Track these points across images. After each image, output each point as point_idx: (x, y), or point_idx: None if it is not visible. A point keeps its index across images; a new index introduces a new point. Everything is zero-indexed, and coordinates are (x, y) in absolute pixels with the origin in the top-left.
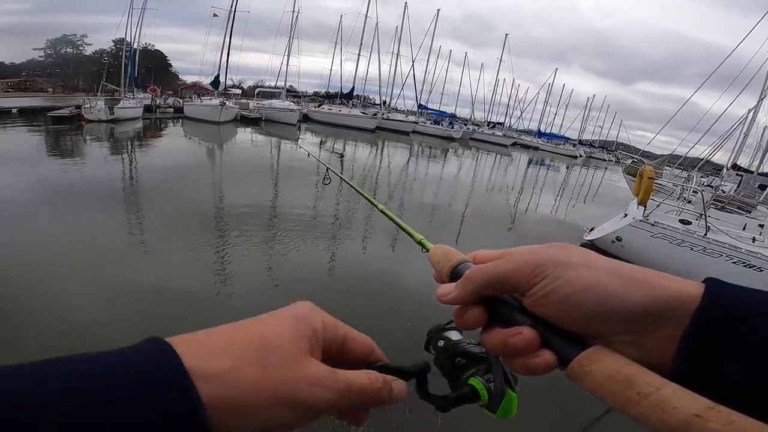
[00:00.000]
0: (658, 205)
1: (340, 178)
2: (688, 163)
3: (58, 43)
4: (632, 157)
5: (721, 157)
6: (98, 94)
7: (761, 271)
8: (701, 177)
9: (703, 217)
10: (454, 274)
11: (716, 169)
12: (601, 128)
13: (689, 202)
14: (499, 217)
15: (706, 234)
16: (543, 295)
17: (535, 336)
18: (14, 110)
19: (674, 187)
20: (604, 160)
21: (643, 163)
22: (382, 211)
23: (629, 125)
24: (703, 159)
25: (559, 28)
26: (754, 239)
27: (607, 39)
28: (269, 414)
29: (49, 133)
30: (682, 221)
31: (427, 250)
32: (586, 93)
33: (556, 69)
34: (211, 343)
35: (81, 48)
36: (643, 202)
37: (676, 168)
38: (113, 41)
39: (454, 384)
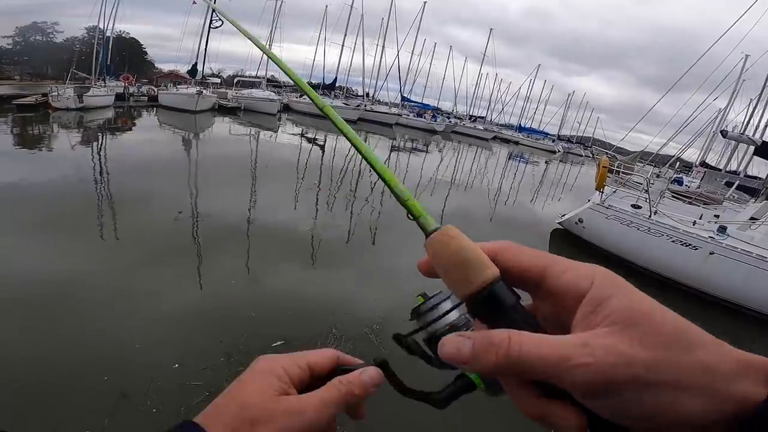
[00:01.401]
0: (614, 191)
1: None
2: (659, 160)
3: (28, 30)
4: (606, 153)
5: (693, 155)
6: (67, 82)
7: (696, 249)
8: (674, 173)
9: (649, 201)
10: (475, 305)
11: (686, 166)
12: (579, 124)
13: (647, 191)
14: (479, 208)
15: (650, 216)
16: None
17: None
18: None
19: (640, 181)
20: (581, 156)
21: (616, 158)
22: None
23: (608, 122)
24: (673, 156)
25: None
26: (694, 223)
27: (586, 37)
28: None
29: (15, 121)
30: (633, 206)
31: (426, 231)
32: (566, 90)
33: (539, 65)
34: (218, 419)
35: (52, 36)
36: (598, 188)
37: (647, 164)
38: (86, 29)
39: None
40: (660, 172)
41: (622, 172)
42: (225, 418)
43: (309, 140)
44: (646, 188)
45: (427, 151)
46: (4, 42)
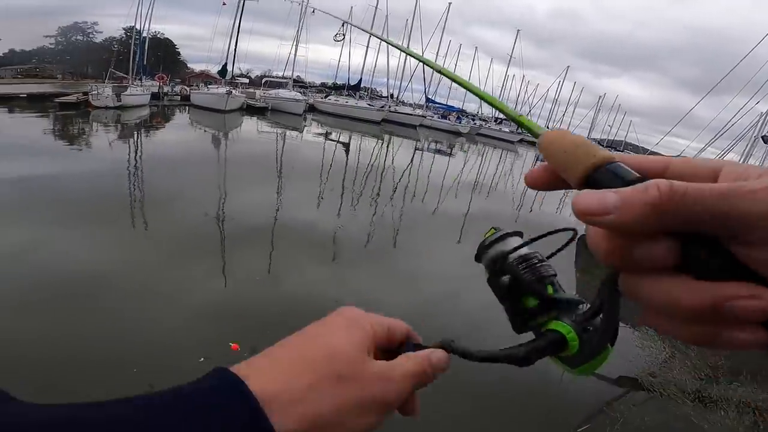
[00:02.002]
0: None
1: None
2: None
3: (69, 30)
4: None
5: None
6: (106, 81)
7: None
8: None
9: None
10: (595, 179)
11: None
12: (610, 127)
13: None
14: (502, 212)
15: None
16: None
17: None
18: (23, 95)
19: None
20: None
21: None
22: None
23: (641, 125)
24: None
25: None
26: None
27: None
28: (355, 422)
29: (57, 118)
30: None
31: (537, 133)
32: (597, 92)
33: (568, 66)
34: (281, 364)
35: (91, 36)
36: None
37: None
38: (123, 29)
39: (517, 322)
40: None
41: None
42: (301, 363)
43: (333, 141)
44: None
45: (451, 154)
46: (46, 41)
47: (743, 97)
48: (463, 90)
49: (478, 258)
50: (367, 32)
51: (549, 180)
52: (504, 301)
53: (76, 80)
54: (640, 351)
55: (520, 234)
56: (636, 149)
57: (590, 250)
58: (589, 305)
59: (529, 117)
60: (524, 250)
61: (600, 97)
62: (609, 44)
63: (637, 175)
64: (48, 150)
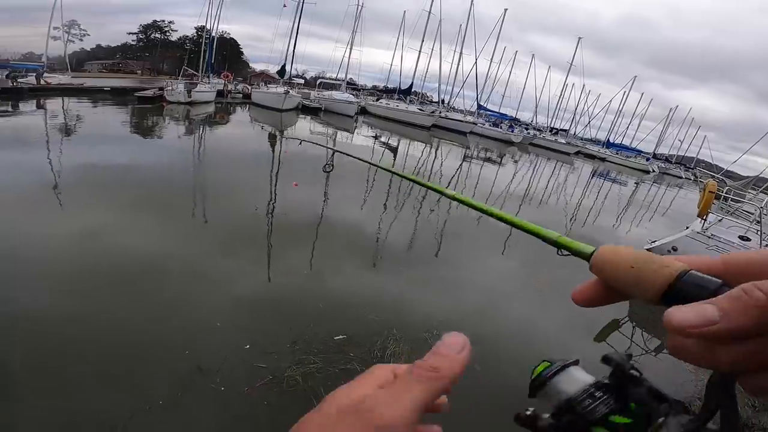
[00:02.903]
0: (719, 220)
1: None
2: None
3: (149, 28)
4: (713, 176)
5: None
6: (179, 78)
7: None
8: None
9: (760, 233)
10: (677, 292)
11: None
12: (681, 142)
13: (759, 222)
14: (552, 226)
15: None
16: None
17: None
18: (107, 89)
19: (751, 210)
20: (681, 177)
21: (725, 182)
22: (462, 202)
23: (716, 141)
24: None
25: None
26: None
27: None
28: None
29: (134, 111)
30: (741, 237)
31: (586, 255)
32: (667, 104)
33: (635, 76)
34: None
35: (168, 34)
36: (701, 215)
37: (762, 192)
38: (195, 28)
39: None
40: None
41: (732, 199)
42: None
43: (382, 143)
44: (758, 219)
45: (501, 163)
46: (129, 38)
47: None
48: (517, 98)
49: (532, 394)
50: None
51: (602, 296)
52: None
53: (154, 76)
54: (692, 376)
55: (575, 363)
56: (710, 167)
57: (679, 358)
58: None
59: (588, 128)
60: (590, 382)
61: (671, 109)
62: (683, 53)
63: (719, 281)
64: (125, 140)
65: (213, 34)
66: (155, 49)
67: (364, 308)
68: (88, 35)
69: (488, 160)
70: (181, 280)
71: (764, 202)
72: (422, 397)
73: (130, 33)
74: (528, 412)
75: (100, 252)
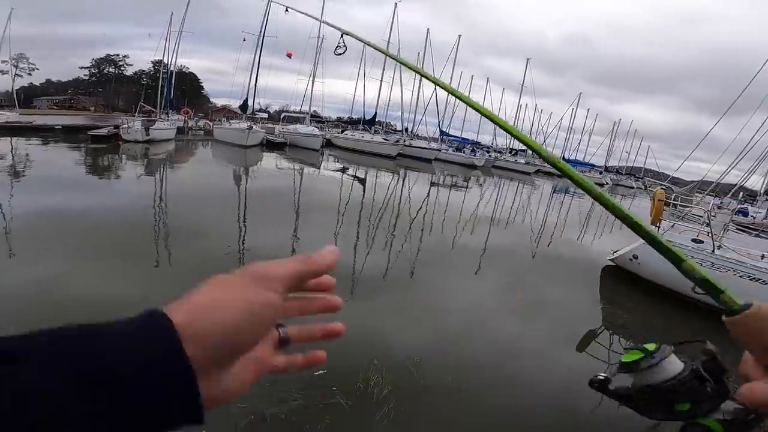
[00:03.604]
0: (672, 225)
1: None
2: (720, 190)
3: (102, 62)
4: (661, 184)
5: (757, 182)
6: (136, 114)
7: (766, 284)
8: (737, 203)
9: (711, 235)
10: None
11: (750, 195)
12: (628, 154)
13: (708, 224)
14: (521, 245)
15: (713, 251)
16: None
17: None
18: (58, 127)
19: (700, 213)
20: (632, 188)
21: (672, 189)
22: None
23: (660, 151)
24: (735, 185)
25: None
26: (762, 256)
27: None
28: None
29: (88, 151)
30: (694, 240)
31: (732, 308)
32: (612, 118)
33: (580, 93)
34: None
35: (122, 68)
36: (654, 222)
37: (707, 195)
38: (152, 62)
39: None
40: (722, 203)
41: (680, 205)
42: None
43: (350, 176)
44: (707, 221)
45: (467, 188)
46: (81, 73)
47: (762, 114)
48: (476, 121)
49: (605, 382)
50: (366, 43)
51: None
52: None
53: (108, 113)
54: None
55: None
56: (657, 175)
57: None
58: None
59: (545, 146)
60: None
61: (615, 123)
62: (622, 69)
63: None
64: (79, 183)
65: (171, 68)
66: (109, 85)
67: (343, 341)
68: (38, 69)
69: (455, 185)
70: None
71: (710, 205)
72: (296, 266)
73: (82, 67)
74: (601, 377)
75: (57, 302)
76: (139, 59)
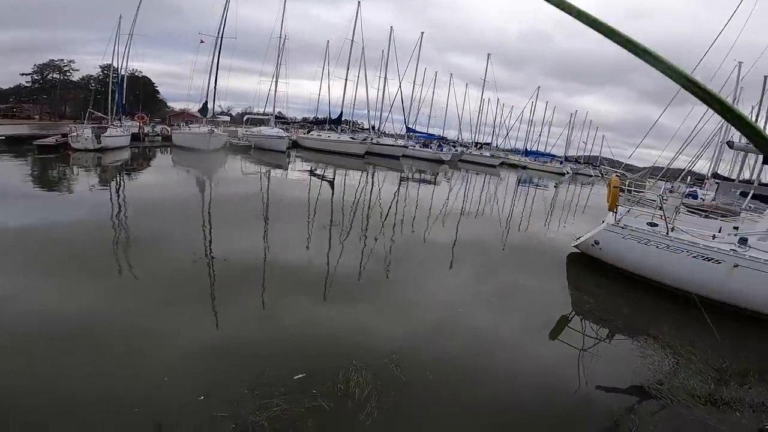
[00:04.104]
0: (628, 210)
1: None
2: (671, 175)
3: (45, 68)
4: (616, 172)
5: (704, 167)
6: (85, 122)
7: (719, 263)
8: (687, 187)
9: (664, 218)
10: None
11: (699, 179)
12: (585, 144)
13: (661, 208)
14: (490, 236)
15: (668, 233)
16: None
17: None
18: (0, 137)
19: (653, 198)
20: (590, 176)
21: (626, 176)
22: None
23: (614, 140)
24: (684, 170)
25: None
26: (713, 236)
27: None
28: None
29: (35, 162)
30: (649, 224)
31: None
32: (569, 110)
33: (539, 87)
34: None
35: (68, 74)
36: (611, 208)
37: (659, 180)
38: (100, 67)
39: None
40: (673, 187)
41: (634, 191)
42: None
43: (318, 177)
44: (660, 205)
45: (435, 182)
46: (23, 80)
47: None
48: (442, 117)
49: None
50: None
51: None
52: None
53: (55, 121)
54: (642, 360)
55: None
56: (612, 163)
57: None
58: None
59: (507, 140)
60: None
61: (571, 114)
62: (576, 63)
63: None
64: (27, 197)
65: (122, 72)
66: (54, 91)
67: (321, 343)
68: None
69: (424, 181)
70: (117, 340)
71: (662, 189)
72: None
73: (23, 74)
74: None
75: (23, 319)
76: (87, 64)
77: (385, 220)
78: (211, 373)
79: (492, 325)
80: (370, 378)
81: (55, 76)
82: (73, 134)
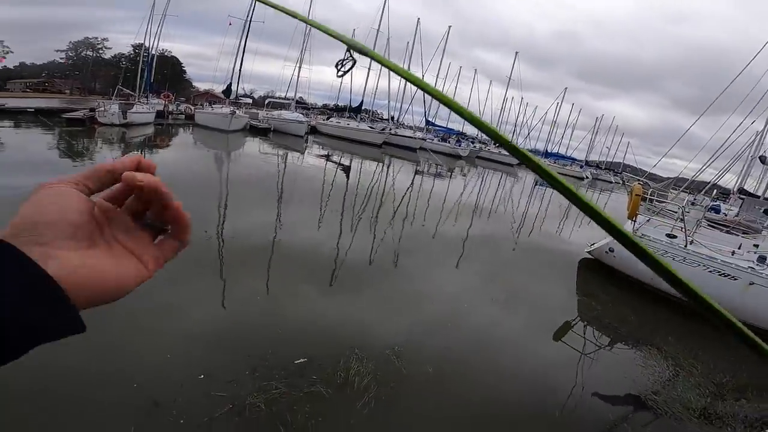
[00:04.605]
0: (647, 220)
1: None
2: (695, 187)
3: (80, 45)
4: (638, 180)
5: (730, 181)
6: (113, 98)
7: (735, 279)
8: (710, 200)
9: (684, 230)
10: None
11: (723, 193)
12: (608, 149)
13: (682, 220)
14: (502, 236)
15: (686, 246)
16: None
17: None
18: (31, 110)
19: (675, 209)
20: (611, 182)
21: (649, 185)
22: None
23: (639, 147)
24: (709, 183)
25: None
26: (732, 252)
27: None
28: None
29: (62, 134)
30: (668, 235)
31: None
32: (595, 114)
33: (566, 88)
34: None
35: (101, 51)
36: (631, 216)
37: (682, 191)
38: (132, 46)
39: None
40: (695, 199)
41: (656, 200)
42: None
43: (334, 163)
44: (681, 217)
45: (451, 177)
46: (57, 56)
47: (740, 115)
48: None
49: None
50: (379, 61)
51: None
52: None
53: (84, 96)
54: (643, 370)
55: None
56: (634, 171)
57: None
58: None
59: (527, 140)
60: None
61: (597, 118)
62: (606, 64)
63: None
64: (52, 166)
65: (153, 52)
66: (86, 68)
67: (324, 329)
68: (11, 52)
69: (439, 175)
70: (121, 315)
71: (684, 201)
72: (87, 174)
73: (58, 50)
74: None
75: None
76: (119, 42)
77: (397, 211)
78: (213, 353)
79: (496, 323)
80: (370, 368)
81: (88, 53)
82: (100, 109)
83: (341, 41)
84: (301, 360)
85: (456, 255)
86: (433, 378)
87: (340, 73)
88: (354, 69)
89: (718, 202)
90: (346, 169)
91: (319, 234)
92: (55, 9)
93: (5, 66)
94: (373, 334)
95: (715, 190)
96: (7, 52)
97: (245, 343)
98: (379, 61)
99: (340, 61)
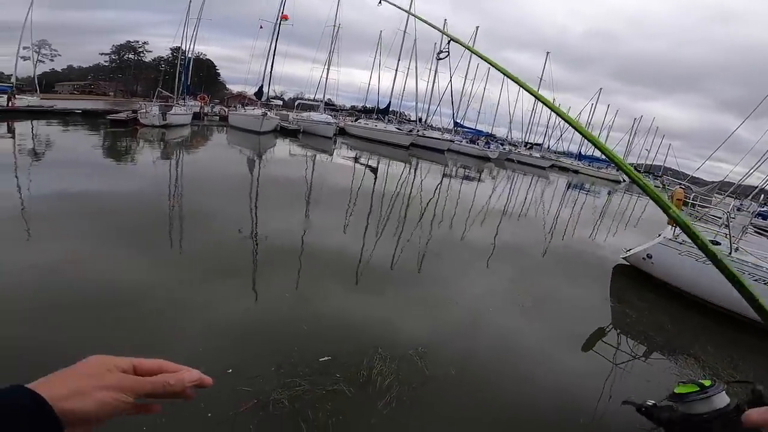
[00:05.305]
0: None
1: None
2: (741, 192)
3: (122, 48)
4: (680, 183)
5: None
6: (154, 100)
7: None
8: (758, 206)
9: (729, 237)
10: None
11: None
12: (648, 152)
13: (727, 226)
14: (531, 241)
15: (731, 253)
16: None
17: None
18: (78, 111)
19: (719, 215)
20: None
21: (691, 189)
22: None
23: (681, 149)
24: (756, 187)
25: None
26: None
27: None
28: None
29: (106, 134)
30: (712, 241)
31: None
32: (633, 115)
33: (600, 89)
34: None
35: (142, 54)
36: (671, 222)
37: (728, 196)
38: (170, 49)
39: None
40: (742, 204)
41: (699, 205)
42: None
43: (362, 164)
44: (725, 223)
45: (479, 180)
46: (102, 59)
47: None
48: (492, 113)
49: (651, 410)
50: (477, 54)
51: None
52: None
53: (127, 98)
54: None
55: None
56: (676, 174)
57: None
58: None
59: (560, 141)
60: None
61: (635, 119)
62: (646, 65)
63: None
64: (97, 166)
65: (189, 55)
66: (129, 71)
67: (349, 328)
68: (59, 55)
69: (467, 177)
70: (157, 308)
71: (730, 207)
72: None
73: (102, 54)
74: (650, 404)
75: (71, 284)
76: (158, 46)
77: (424, 213)
78: (242, 348)
79: (522, 328)
80: (393, 368)
81: (130, 56)
82: (142, 111)
83: (444, 34)
84: (326, 358)
85: (484, 258)
86: (455, 380)
87: (440, 57)
88: (449, 57)
89: (766, 208)
90: (374, 171)
91: (345, 235)
92: (98, 13)
93: (53, 69)
94: (396, 334)
95: (762, 195)
96: (55, 55)
97: (272, 338)
98: (476, 53)
99: (440, 51)
